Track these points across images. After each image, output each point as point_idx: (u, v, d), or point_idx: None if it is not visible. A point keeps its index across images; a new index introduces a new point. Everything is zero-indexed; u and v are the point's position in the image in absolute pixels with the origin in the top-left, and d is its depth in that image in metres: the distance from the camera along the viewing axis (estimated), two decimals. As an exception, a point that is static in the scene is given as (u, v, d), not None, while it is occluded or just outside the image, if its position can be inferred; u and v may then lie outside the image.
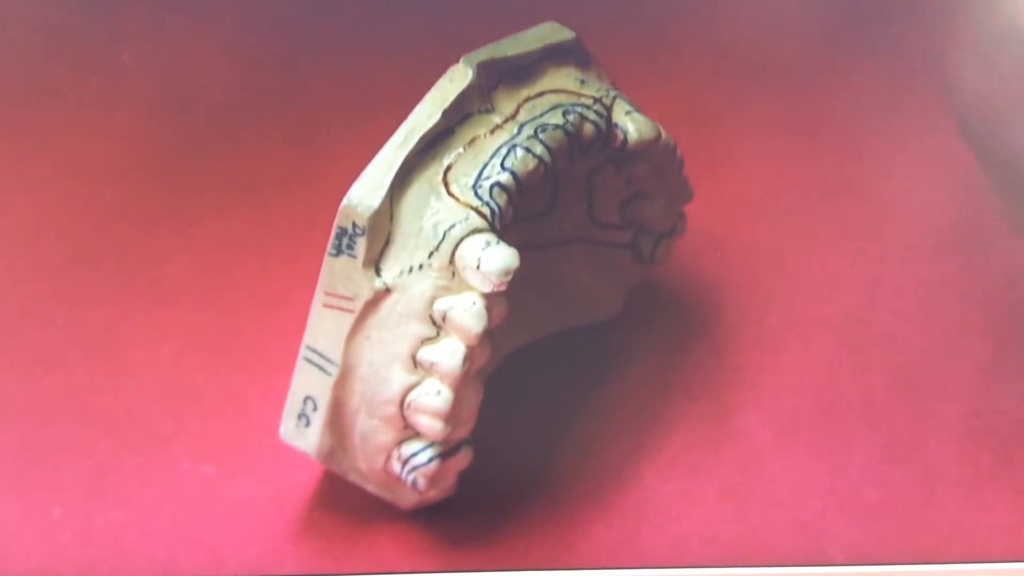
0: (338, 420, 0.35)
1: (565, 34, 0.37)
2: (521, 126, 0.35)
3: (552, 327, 0.42)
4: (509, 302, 0.34)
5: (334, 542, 0.37)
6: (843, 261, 0.45)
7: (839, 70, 0.52)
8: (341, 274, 0.34)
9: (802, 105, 0.51)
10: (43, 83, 0.51)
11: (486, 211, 0.33)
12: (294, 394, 0.35)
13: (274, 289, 0.43)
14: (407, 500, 0.36)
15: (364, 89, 0.51)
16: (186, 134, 0.49)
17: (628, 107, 0.37)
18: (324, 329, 0.34)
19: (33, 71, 0.51)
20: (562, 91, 0.36)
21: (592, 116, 0.36)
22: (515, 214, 0.34)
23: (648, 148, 0.37)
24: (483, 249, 0.33)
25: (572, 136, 0.35)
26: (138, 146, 0.49)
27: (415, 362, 0.34)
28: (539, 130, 0.34)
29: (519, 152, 0.34)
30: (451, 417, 0.34)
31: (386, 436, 0.35)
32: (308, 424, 0.35)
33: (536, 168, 0.34)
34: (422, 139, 0.34)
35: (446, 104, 0.34)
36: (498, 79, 0.36)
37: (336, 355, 0.34)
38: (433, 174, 0.34)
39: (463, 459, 0.35)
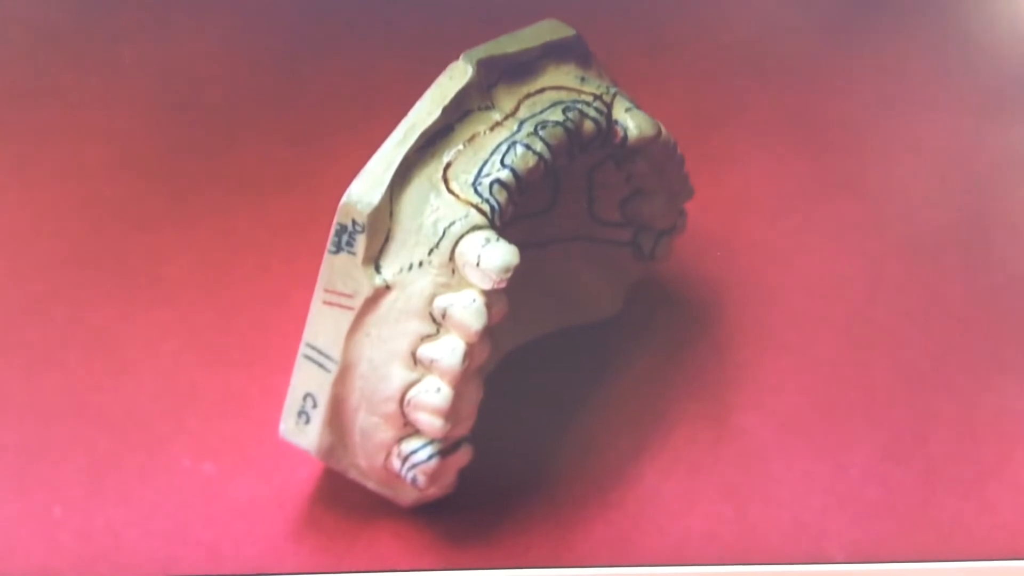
0: (338, 417, 0.35)
1: (565, 31, 0.37)
2: (521, 123, 0.35)
3: (552, 325, 0.42)
4: (509, 299, 0.34)
5: (334, 539, 0.37)
6: (844, 259, 0.45)
7: (840, 68, 0.52)
8: (341, 271, 0.34)
9: (803, 103, 0.51)
10: (43, 82, 0.51)
11: (486, 208, 0.33)
12: (294, 391, 0.35)
13: (274, 287, 0.43)
14: (407, 497, 0.36)
15: (364, 87, 0.51)
16: (186, 132, 0.49)
17: (628, 104, 0.37)
18: (324, 326, 0.34)
19: (33, 70, 0.51)
20: (562, 88, 0.36)
21: (592, 113, 0.36)
22: (515, 211, 0.34)
23: (648, 145, 0.37)
24: (483, 246, 0.33)
25: (572, 133, 0.35)
26: (138, 145, 0.49)
27: (415, 359, 0.34)
28: (539, 127, 0.34)
29: (519, 149, 0.34)
30: (451, 414, 0.34)
31: (386, 433, 0.35)
32: (308, 421, 0.35)
33: (536, 165, 0.34)
34: (422, 136, 0.34)
35: (446, 101, 0.34)
36: (498, 76, 0.36)
37: (336, 352, 0.34)
38: (433, 171, 0.34)
39: (463, 456, 0.35)
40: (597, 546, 0.37)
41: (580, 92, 0.36)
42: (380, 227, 0.33)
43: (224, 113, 0.50)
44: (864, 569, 0.36)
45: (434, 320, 0.33)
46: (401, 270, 0.33)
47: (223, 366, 0.41)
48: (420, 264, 0.33)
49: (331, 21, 0.53)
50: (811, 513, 0.38)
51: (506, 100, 0.35)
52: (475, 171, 0.34)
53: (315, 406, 0.35)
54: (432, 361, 0.33)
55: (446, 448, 0.35)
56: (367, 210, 0.33)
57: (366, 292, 0.33)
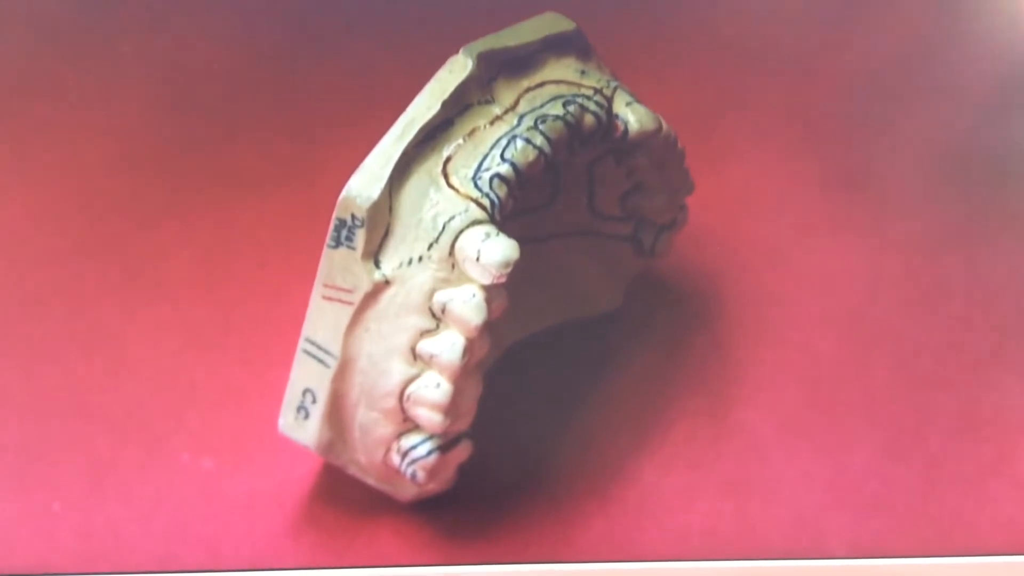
0: (337, 413, 0.35)
1: (565, 24, 0.37)
2: (521, 117, 0.35)
3: (552, 320, 0.42)
4: (509, 294, 0.34)
5: (334, 535, 0.37)
6: (845, 254, 0.45)
7: (841, 63, 0.52)
8: (340, 266, 0.33)
9: (805, 98, 0.51)
10: (42, 76, 0.51)
11: (486, 203, 0.33)
12: (293, 387, 0.35)
13: (273, 282, 0.43)
14: (406, 493, 0.36)
15: (363, 81, 0.51)
16: (185, 128, 0.49)
17: (629, 98, 0.37)
18: (323, 321, 0.34)
19: (32, 64, 0.51)
20: (562, 82, 0.36)
21: (593, 107, 0.35)
22: (515, 206, 0.34)
23: (649, 139, 0.37)
24: (483, 241, 0.33)
25: (572, 127, 0.35)
26: (137, 140, 0.49)
27: (414, 354, 0.34)
28: (539, 121, 0.34)
29: (519, 143, 0.34)
30: (450, 410, 0.34)
31: (385, 429, 0.35)
32: (307, 417, 0.35)
33: (536, 159, 0.34)
34: (421, 130, 0.34)
35: (445, 95, 0.34)
36: (498, 70, 0.35)
37: (335, 347, 0.34)
38: (432, 165, 0.34)
39: (462, 452, 0.35)
40: (597, 542, 0.37)
41: (580, 86, 0.36)
42: (379, 222, 0.33)
43: (223, 109, 0.50)
44: (864, 565, 0.36)
45: (434, 315, 0.33)
46: (401, 265, 0.33)
47: (222, 362, 0.41)
48: (420, 259, 0.33)
49: (330, 16, 0.53)
50: (811, 509, 0.38)
51: (506, 94, 0.35)
52: (475, 165, 0.34)
53: (314, 401, 0.35)
54: (432, 356, 0.33)
55: (446, 444, 0.35)
56: (366, 205, 0.33)
57: (365, 287, 0.33)
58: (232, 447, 0.39)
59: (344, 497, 0.37)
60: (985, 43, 0.52)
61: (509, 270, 0.33)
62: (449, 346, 0.33)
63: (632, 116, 0.36)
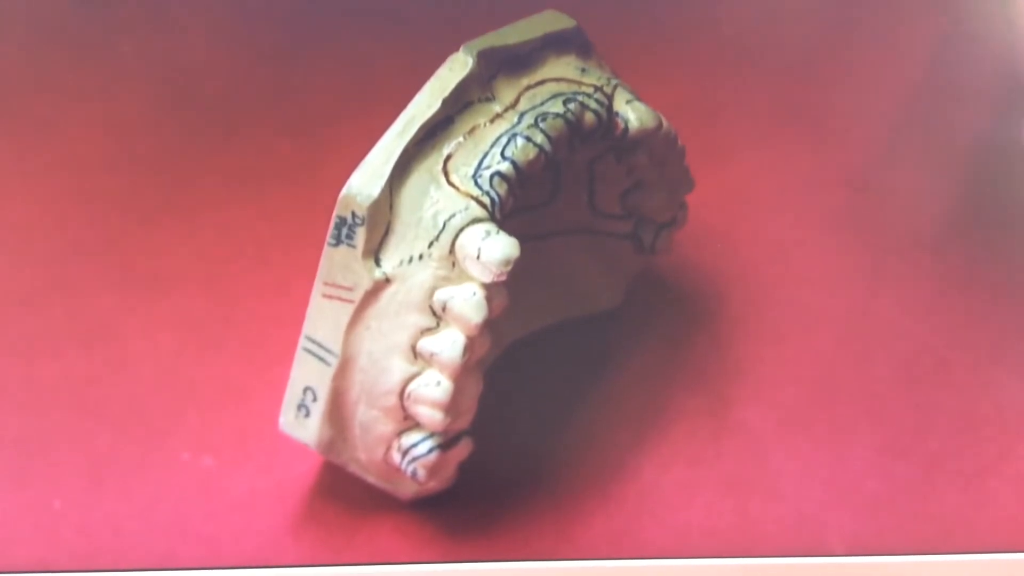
0: (338, 411, 0.35)
1: (566, 22, 0.37)
2: (521, 115, 0.35)
3: (553, 318, 0.42)
4: (509, 292, 0.34)
5: (334, 533, 0.37)
6: (845, 252, 0.45)
7: (841, 61, 0.52)
8: (340, 264, 0.33)
9: (804, 95, 0.51)
10: (42, 74, 0.51)
11: (486, 201, 0.33)
12: (294, 385, 0.35)
13: (273, 280, 0.43)
14: (407, 491, 0.36)
15: (363, 79, 0.51)
16: (186, 125, 0.49)
17: (629, 96, 0.37)
18: (324, 319, 0.34)
19: (32, 62, 0.51)
20: (563, 79, 0.36)
21: (593, 105, 0.35)
22: (515, 204, 0.34)
23: (649, 137, 0.37)
24: (483, 239, 0.33)
25: (573, 125, 0.35)
26: (137, 137, 0.49)
27: (415, 352, 0.34)
28: (540, 119, 0.34)
29: (519, 141, 0.34)
30: (451, 408, 0.34)
31: (386, 427, 0.35)
32: (308, 415, 0.35)
33: (536, 157, 0.34)
34: (422, 128, 0.34)
35: (446, 93, 0.34)
36: (498, 68, 0.35)
37: (336, 345, 0.34)
38: (433, 163, 0.34)
39: (463, 450, 0.35)
40: (597, 539, 0.37)
41: (581, 83, 0.36)
42: (380, 220, 0.33)
43: (223, 105, 0.50)
44: (864, 562, 0.36)
45: (434, 313, 0.33)
46: (401, 263, 0.33)
47: (222, 359, 0.41)
48: (420, 257, 0.33)
49: (330, 13, 0.53)
50: (811, 506, 0.38)
51: (506, 92, 0.35)
52: (475, 163, 0.34)
53: (315, 399, 0.35)
54: (432, 354, 0.33)
55: (446, 441, 0.35)
56: (367, 202, 0.33)
57: (366, 285, 0.33)
58: (232, 445, 0.39)
59: (344, 495, 0.37)
60: (985, 43, 0.52)
61: (509, 268, 0.33)
62: (450, 344, 0.33)
63: (632, 114, 0.36)
